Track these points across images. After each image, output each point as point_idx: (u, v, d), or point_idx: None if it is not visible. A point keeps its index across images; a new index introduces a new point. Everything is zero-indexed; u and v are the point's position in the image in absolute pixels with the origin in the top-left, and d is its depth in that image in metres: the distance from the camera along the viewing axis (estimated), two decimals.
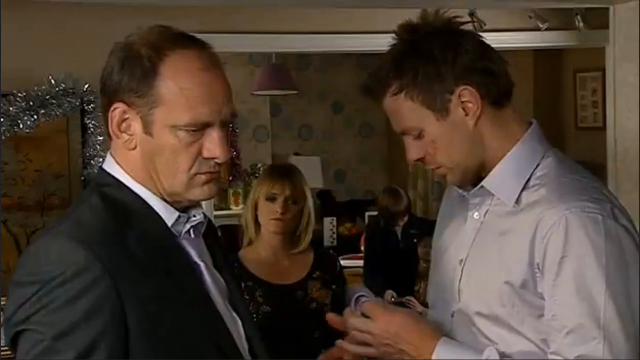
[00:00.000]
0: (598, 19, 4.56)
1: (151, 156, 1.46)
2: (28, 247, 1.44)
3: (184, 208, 1.53)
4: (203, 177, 1.48)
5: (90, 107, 3.73)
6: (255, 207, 2.94)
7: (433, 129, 1.69)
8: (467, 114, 1.68)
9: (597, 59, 5.05)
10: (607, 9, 4.32)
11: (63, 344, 1.33)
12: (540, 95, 7.06)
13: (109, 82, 1.47)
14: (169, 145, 1.45)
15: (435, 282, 1.89)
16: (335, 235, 7.13)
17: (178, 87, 1.43)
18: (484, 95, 1.68)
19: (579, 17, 4.63)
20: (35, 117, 3.66)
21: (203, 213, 1.55)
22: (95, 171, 3.71)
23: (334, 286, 2.95)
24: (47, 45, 3.83)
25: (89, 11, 3.88)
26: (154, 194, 1.48)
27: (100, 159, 3.75)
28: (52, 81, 3.69)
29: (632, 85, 4.22)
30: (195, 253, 1.53)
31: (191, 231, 1.53)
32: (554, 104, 6.87)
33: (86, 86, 3.70)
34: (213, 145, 1.46)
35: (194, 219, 1.52)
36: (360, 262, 6.00)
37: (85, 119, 3.77)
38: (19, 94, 3.64)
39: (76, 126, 3.79)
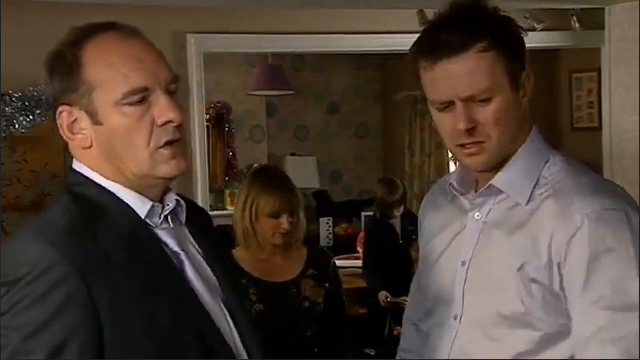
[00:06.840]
0: (594, 20, 4.57)
1: (108, 145, 1.44)
2: None
3: (160, 197, 1.50)
4: (166, 153, 1.45)
5: None
6: (252, 214, 2.91)
7: (506, 98, 1.63)
8: (524, 96, 1.67)
9: (593, 60, 5.07)
10: (603, 10, 4.34)
11: (33, 343, 1.31)
12: (536, 96, 7.01)
13: (49, 95, 1.49)
14: (120, 126, 1.43)
15: (431, 289, 1.83)
16: (331, 236, 7.13)
17: (105, 65, 1.44)
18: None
19: (574, 18, 4.65)
20: (31, 117, 3.65)
21: (178, 200, 1.52)
22: None
23: (327, 284, 2.94)
24: (42, 46, 3.82)
25: (84, 11, 3.86)
26: (125, 186, 1.46)
27: None
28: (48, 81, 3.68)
29: (628, 85, 4.23)
30: (174, 242, 1.50)
31: (169, 220, 1.50)
32: (550, 105, 6.87)
33: None
34: (162, 109, 1.43)
35: (167, 207, 1.50)
36: (357, 263, 6.00)
37: None
38: (15, 95, 3.63)
39: None
